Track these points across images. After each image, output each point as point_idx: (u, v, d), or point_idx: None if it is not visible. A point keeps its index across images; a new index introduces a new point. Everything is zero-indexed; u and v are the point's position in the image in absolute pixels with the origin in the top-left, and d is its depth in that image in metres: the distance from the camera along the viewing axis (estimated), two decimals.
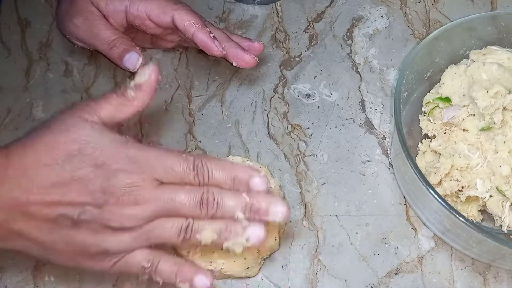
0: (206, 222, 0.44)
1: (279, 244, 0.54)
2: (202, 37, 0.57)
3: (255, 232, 0.44)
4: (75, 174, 0.42)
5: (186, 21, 0.57)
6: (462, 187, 0.54)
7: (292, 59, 0.67)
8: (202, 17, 0.60)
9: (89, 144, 0.43)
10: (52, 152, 0.43)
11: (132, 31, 0.61)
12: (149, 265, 0.45)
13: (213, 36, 0.57)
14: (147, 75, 0.46)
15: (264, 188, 0.44)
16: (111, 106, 0.45)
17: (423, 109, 0.60)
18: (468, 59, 0.61)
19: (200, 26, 0.57)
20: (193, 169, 0.44)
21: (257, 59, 0.59)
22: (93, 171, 0.42)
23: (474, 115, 0.57)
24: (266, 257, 0.54)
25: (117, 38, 0.58)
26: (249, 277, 0.53)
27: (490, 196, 0.54)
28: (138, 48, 0.58)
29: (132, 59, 0.57)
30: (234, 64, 0.59)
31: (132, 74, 0.52)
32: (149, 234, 0.44)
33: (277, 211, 0.44)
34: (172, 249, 0.54)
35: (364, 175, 0.60)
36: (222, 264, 0.51)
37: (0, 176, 0.42)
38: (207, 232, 0.44)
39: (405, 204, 0.58)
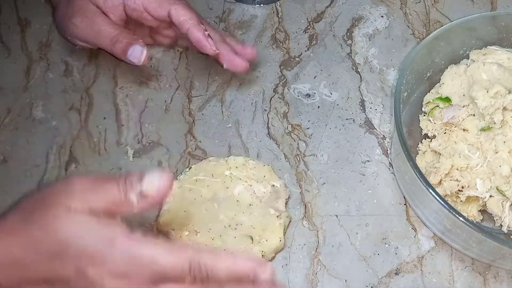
0: None
1: (283, 244, 0.54)
2: (196, 33, 0.57)
3: None
4: (59, 277, 0.39)
5: (182, 16, 0.57)
6: (462, 187, 0.54)
7: (292, 59, 0.67)
8: (199, 14, 0.60)
9: (72, 246, 0.38)
10: (35, 249, 0.39)
11: (131, 26, 0.61)
12: None
13: (208, 34, 0.58)
14: (155, 186, 0.40)
15: (270, 279, 0.40)
16: (107, 204, 0.40)
17: (423, 109, 0.60)
18: (468, 59, 0.61)
19: (195, 23, 0.57)
20: (189, 271, 0.39)
21: (248, 64, 0.59)
22: (77, 276, 0.38)
23: (474, 115, 0.57)
24: (271, 259, 0.54)
25: (119, 33, 0.58)
26: None
27: (490, 196, 0.54)
28: (141, 40, 0.58)
29: (136, 53, 0.57)
30: (224, 66, 0.59)
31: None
32: None
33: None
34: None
35: (364, 175, 0.60)
36: None
37: None
38: None
39: (405, 204, 0.58)
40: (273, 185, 0.55)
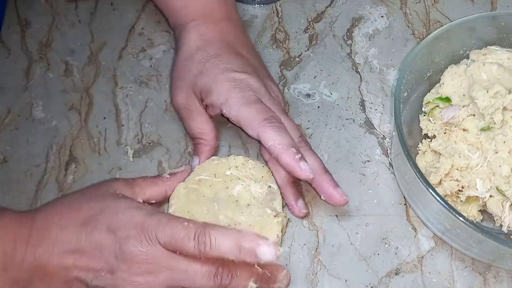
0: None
1: (281, 242, 0.54)
2: (286, 159, 0.51)
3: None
4: (90, 239, 0.45)
5: (270, 141, 0.52)
6: (462, 187, 0.54)
7: (292, 59, 0.67)
8: (298, 129, 0.56)
9: (106, 209, 0.46)
10: (72, 215, 0.46)
11: None
12: None
13: (300, 156, 0.52)
14: (181, 168, 0.55)
15: (273, 258, 0.44)
16: (146, 185, 0.52)
17: (423, 109, 0.60)
18: (468, 59, 0.61)
19: (284, 147, 0.51)
20: (194, 238, 0.44)
21: (348, 199, 0.54)
22: (106, 237, 0.44)
23: (474, 115, 0.57)
24: None
25: (202, 137, 0.58)
26: None
27: (490, 196, 0.54)
28: (209, 147, 0.58)
29: (195, 164, 0.57)
30: (322, 198, 0.54)
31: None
32: None
33: (282, 278, 0.47)
34: None
35: (364, 175, 0.60)
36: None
37: (25, 237, 0.45)
38: None
39: (405, 204, 0.58)
40: (270, 186, 0.55)
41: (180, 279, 0.44)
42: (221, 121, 0.62)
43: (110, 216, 0.45)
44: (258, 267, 0.45)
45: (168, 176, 0.54)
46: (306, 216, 0.56)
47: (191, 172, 0.56)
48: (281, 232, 0.54)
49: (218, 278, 0.44)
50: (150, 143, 0.61)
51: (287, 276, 0.48)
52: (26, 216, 0.47)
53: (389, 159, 0.61)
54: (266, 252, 0.43)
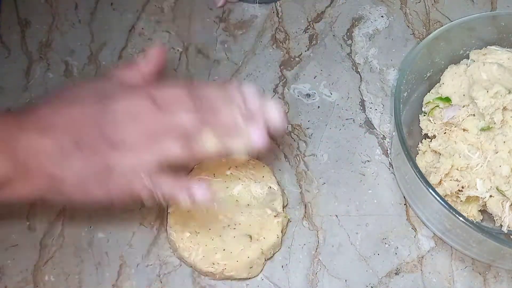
0: (208, 130, 0.45)
1: (281, 242, 0.54)
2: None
3: (257, 132, 0.45)
4: (77, 97, 0.45)
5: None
6: (462, 187, 0.54)
7: (292, 59, 0.67)
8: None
9: (96, 82, 0.48)
10: (61, 91, 0.47)
11: None
12: (150, 181, 0.45)
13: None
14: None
15: (256, 93, 0.47)
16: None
17: (423, 109, 0.60)
18: (468, 59, 0.61)
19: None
20: (187, 90, 0.45)
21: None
22: (95, 98, 0.45)
23: (474, 115, 0.57)
24: (269, 258, 0.54)
25: None
26: (250, 278, 0.53)
27: (490, 196, 0.54)
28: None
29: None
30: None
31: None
32: (152, 151, 0.44)
33: (272, 111, 0.47)
34: (173, 251, 0.54)
35: (364, 175, 0.60)
36: (224, 265, 0.51)
37: (17, 121, 0.44)
38: (210, 139, 0.45)
39: (405, 204, 0.58)
40: (270, 187, 0.55)
41: (168, 126, 0.45)
42: None
43: (99, 85, 0.47)
44: (241, 101, 0.47)
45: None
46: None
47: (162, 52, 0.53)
48: (281, 232, 0.54)
49: (200, 110, 0.45)
50: None
51: (279, 108, 0.48)
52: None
53: (389, 159, 0.61)
54: (251, 90, 0.48)
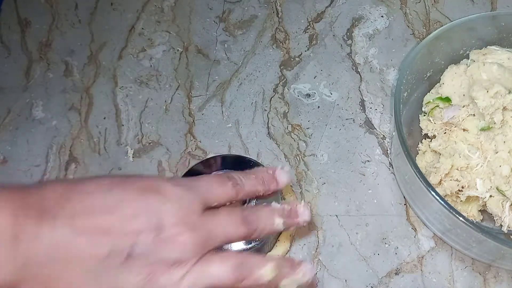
0: (263, 258, 0.42)
1: (290, 246, 0.55)
2: None
3: (308, 268, 0.43)
4: (123, 198, 0.37)
5: None
6: (462, 187, 0.54)
7: (292, 59, 0.67)
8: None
9: (135, 175, 0.42)
10: (97, 182, 0.38)
11: None
12: None
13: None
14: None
15: (288, 179, 0.46)
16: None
17: (423, 109, 0.60)
18: (468, 59, 0.61)
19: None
20: (229, 180, 0.43)
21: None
22: (141, 195, 0.38)
23: (474, 115, 0.57)
24: None
25: None
26: None
27: (490, 196, 0.54)
28: None
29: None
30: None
31: None
32: (201, 273, 0.39)
33: (303, 210, 0.46)
34: None
35: (364, 175, 0.60)
36: None
37: (37, 209, 0.35)
38: (267, 268, 0.41)
39: (405, 204, 0.58)
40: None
41: (214, 235, 0.40)
42: (221, 121, 0.62)
43: (140, 178, 0.41)
44: (277, 204, 0.45)
45: None
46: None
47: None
48: (290, 237, 0.54)
49: (247, 222, 0.43)
50: (150, 143, 0.61)
51: (307, 207, 0.46)
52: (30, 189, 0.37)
53: (389, 159, 0.61)
54: (282, 175, 0.46)
